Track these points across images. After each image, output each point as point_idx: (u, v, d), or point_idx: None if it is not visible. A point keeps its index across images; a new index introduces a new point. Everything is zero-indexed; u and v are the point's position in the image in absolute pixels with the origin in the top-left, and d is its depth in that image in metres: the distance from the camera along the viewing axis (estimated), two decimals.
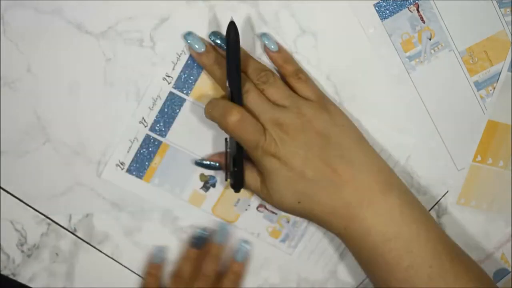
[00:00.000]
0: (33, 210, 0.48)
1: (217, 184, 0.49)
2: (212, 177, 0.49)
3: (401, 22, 0.45)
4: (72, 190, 0.48)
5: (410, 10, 0.45)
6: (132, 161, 0.48)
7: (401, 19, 0.45)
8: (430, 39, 0.46)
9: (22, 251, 0.49)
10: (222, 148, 0.47)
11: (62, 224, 0.49)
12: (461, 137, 0.49)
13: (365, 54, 0.46)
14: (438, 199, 0.50)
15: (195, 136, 0.47)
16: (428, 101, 0.47)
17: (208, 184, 0.49)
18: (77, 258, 0.50)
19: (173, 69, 0.46)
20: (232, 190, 0.46)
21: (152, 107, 0.46)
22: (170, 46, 0.45)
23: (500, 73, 0.47)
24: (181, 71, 0.46)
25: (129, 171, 0.48)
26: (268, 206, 0.50)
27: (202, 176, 0.49)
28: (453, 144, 0.49)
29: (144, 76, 0.46)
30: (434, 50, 0.46)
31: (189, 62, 0.46)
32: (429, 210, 0.50)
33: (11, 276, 0.49)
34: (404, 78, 0.47)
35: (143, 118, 0.47)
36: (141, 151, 0.48)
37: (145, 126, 0.47)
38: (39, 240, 0.49)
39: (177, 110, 0.47)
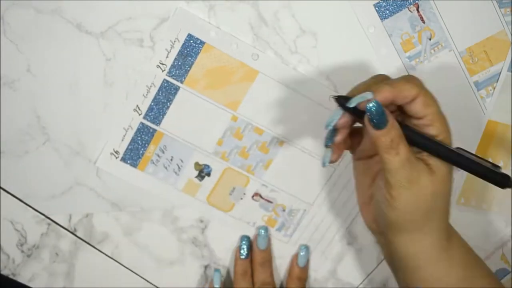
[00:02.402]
0: (33, 210, 0.48)
1: (212, 173, 0.49)
2: (207, 166, 0.49)
3: (401, 22, 0.45)
4: (72, 190, 0.48)
5: (410, 10, 0.45)
6: (127, 149, 0.47)
7: (401, 19, 0.45)
8: (430, 39, 0.46)
9: (22, 251, 0.49)
10: (216, 135, 0.47)
11: (62, 224, 0.49)
12: (461, 137, 0.48)
13: (365, 54, 0.46)
14: None
15: (189, 124, 0.47)
16: None
17: (203, 173, 0.49)
18: (77, 258, 0.50)
19: (167, 56, 0.45)
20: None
21: (146, 94, 0.46)
22: (167, 42, 0.45)
23: (500, 73, 0.47)
24: (175, 58, 0.45)
25: (123, 159, 0.48)
26: (263, 194, 0.50)
27: (196, 165, 0.48)
28: (453, 144, 0.48)
29: (144, 76, 0.46)
30: (434, 50, 0.46)
31: (182, 49, 0.45)
32: None
33: (11, 276, 0.49)
34: None
35: (137, 106, 0.46)
36: (136, 140, 0.47)
37: (139, 114, 0.47)
38: (39, 240, 0.49)
39: (171, 98, 0.46)
